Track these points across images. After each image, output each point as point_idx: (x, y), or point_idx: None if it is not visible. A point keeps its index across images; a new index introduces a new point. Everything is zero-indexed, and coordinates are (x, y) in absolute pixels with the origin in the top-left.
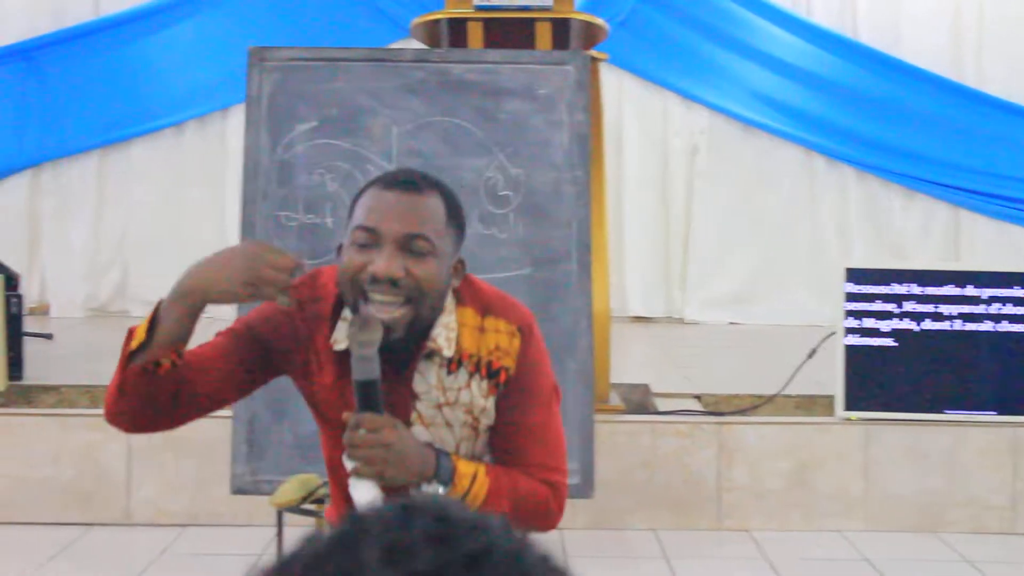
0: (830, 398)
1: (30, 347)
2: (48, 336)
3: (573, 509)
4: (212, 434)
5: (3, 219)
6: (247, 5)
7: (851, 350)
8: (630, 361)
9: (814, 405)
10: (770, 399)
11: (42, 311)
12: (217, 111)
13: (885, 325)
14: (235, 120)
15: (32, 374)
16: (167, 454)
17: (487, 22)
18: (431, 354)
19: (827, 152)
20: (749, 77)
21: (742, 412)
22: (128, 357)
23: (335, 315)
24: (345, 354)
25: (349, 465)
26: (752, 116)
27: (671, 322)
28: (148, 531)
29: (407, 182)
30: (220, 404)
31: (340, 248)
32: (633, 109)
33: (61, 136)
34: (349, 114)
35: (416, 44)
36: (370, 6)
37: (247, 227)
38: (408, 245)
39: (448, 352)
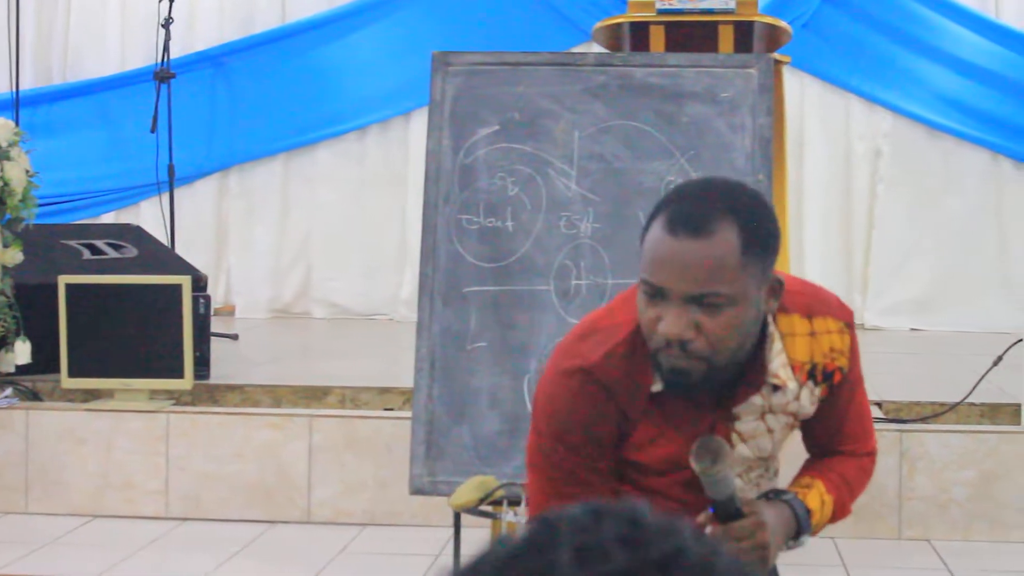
0: (1016, 406)
1: (216, 347)
2: (234, 336)
3: None
4: (391, 434)
5: (192, 222)
6: (429, 11)
7: None
8: None
9: (999, 414)
10: (953, 407)
11: (228, 312)
12: (400, 115)
13: None
14: (417, 124)
15: (218, 373)
16: (347, 454)
17: (669, 25)
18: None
19: (1015, 156)
20: (934, 79)
21: (924, 420)
22: None
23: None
24: (660, 395)
25: None
26: (937, 119)
27: None
28: (328, 529)
29: (693, 225)
30: None
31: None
32: (815, 112)
33: (248, 140)
34: (531, 118)
35: (597, 48)
36: (551, 10)
37: (428, 230)
38: (697, 301)
39: (792, 384)
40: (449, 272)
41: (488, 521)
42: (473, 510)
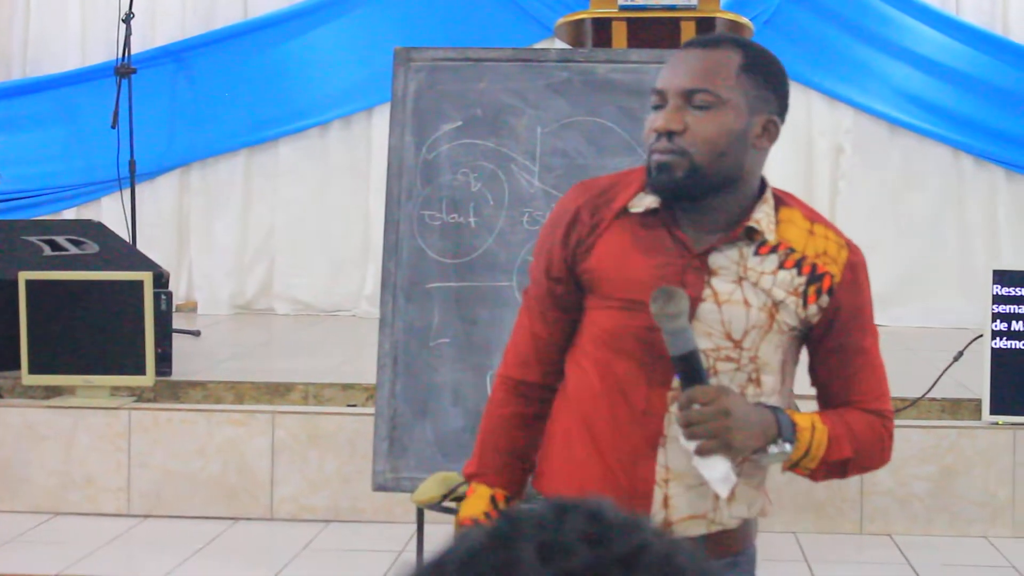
0: (976, 402)
1: (178, 343)
2: (196, 333)
3: None
4: (354, 431)
5: (153, 218)
6: (392, 6)
7: (998, 353)
8: None
9: (960, 409)
10: (914, 402)
11: (189, 308)
12: (362, 111)
13: None
14: (380, 120)
15: (180, 370)
16: (310, 450)
17: (631, 21)
18: (750, 232)
19: (975, 152)
20: (895, 76)
21: None
22: None
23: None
24: (638, 216)
25: (691, 446)
26: (898, 115)
27: None
28: (291, 526)
29: (701, 40)
30: None
31: None
32: None
33: (209, 136)
34: (493, 114)
35: (560, 44)
36: (514, 6)
37: (391, 226)
38: (690, 100)
39: (770, 236)
40: (412, 268)
41: (451, 517)
42: (436, 506)
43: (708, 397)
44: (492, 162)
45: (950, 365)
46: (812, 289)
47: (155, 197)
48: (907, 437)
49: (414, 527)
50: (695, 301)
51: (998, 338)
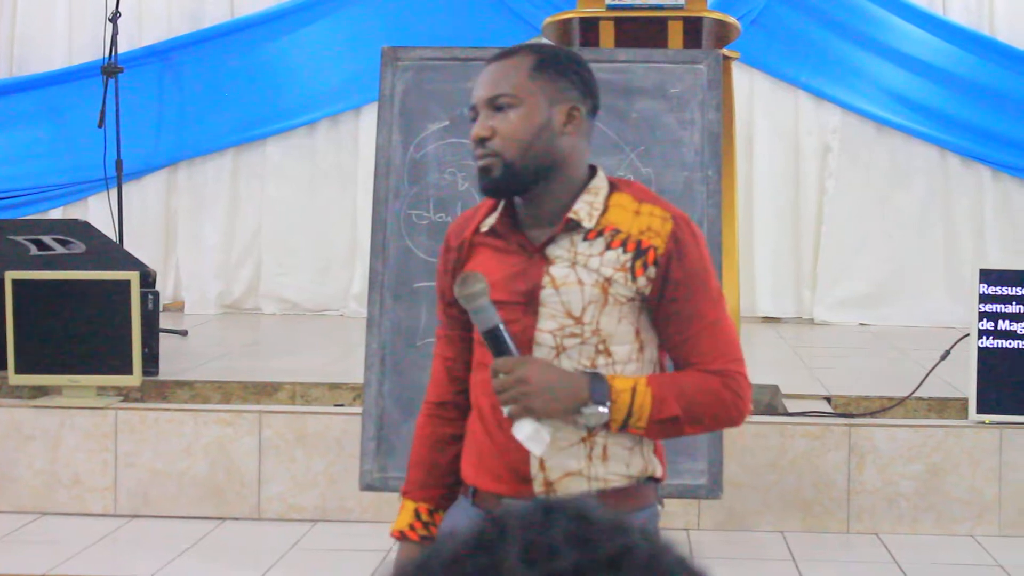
0: (963, 401)
1: (165, 343)
2: (183, 332)
3: (701, 510)
4: (342, 430)
5: (140, 217)
6: (379, 6)
7: (985, 352)
8: (759, 361)
9: (946, 408)
10: (901, 401)
11: (177, 308)
12: (350, 110)
13: (1020, 327)
14: (367, 119)
15: (167, 370)
16: (298, 450)
17: (619, 21)
18: (573, 226)
19: (962, 151)
20: (882, 75)
21: (872, 414)
22: None
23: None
24: (491, 232)
25: (505, 411)
26: (885, 115)
27: (801, 323)
28: (278, 526)
29: (498, 53)
30: None
31: None
32: (764, 108)
33: (196, 135)
34: None
35: (547, 43)
36: (502, 6)
37: (378, 225)
38: (494, 105)
39: (588, 224)
40: (399, 267)
41: None
42: None
43: (507, 367)
44: None
45: (937, 364)
46: (638, 263)
47: (142, 196)
48: (894, 436)
49: None
50: (536, 289)
51: (985, 337)
